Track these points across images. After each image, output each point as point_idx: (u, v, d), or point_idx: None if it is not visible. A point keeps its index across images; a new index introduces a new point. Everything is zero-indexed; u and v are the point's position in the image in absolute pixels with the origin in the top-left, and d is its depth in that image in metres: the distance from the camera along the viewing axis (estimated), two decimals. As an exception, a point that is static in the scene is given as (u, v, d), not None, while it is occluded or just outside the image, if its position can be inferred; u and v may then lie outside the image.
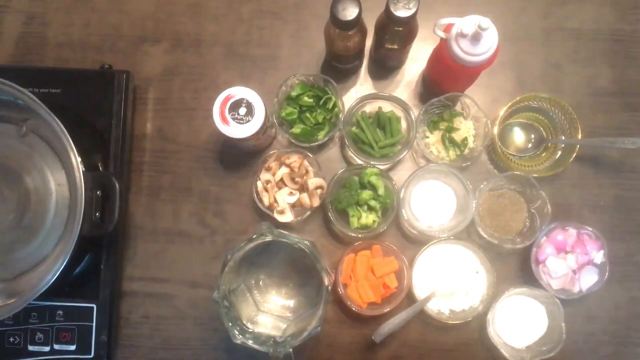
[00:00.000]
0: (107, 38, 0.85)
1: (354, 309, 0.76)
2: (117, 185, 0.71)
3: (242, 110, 0.70)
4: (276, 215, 0.76)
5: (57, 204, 0.75)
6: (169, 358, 0.80)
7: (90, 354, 0.76)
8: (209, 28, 0.85)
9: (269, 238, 0.66)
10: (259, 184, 0.77)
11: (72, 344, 0.76)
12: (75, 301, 0.77)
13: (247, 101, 0.71)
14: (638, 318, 0.80)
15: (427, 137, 0.81)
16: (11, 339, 0.76)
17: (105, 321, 0.76)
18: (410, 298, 0.78)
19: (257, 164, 0.80)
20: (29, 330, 0.77)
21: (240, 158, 0.82)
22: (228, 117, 0.70)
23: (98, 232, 0.72)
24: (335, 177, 0.77)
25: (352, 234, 0.76)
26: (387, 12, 0.66)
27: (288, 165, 0.77)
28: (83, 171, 0.69)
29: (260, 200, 0.77)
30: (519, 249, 0.79)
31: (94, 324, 0.76)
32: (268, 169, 0.77)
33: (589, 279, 0.76)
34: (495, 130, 0.79)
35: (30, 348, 0.76)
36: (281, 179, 0.77)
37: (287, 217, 0.76)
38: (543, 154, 0.83)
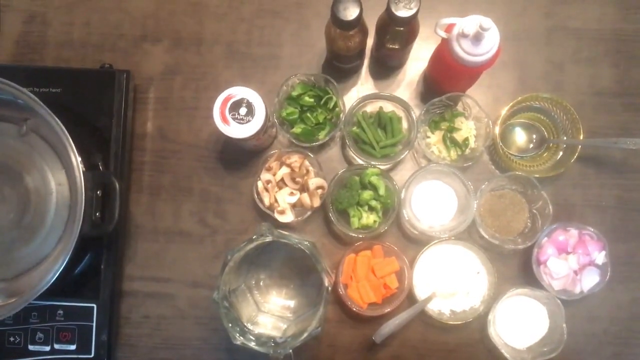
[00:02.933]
0: (107, 37, 0.85)
1: (354, 309, 0.75)
2: (117, 185, 0.71)
3: (243, 110, 0.70)
4: (277, 216, 0.76)
5: (57, 203, 0.75)
6: (169, 358, 0.80)
7: (90, 354, 0.76)
8: (209, 27, 0.85)
9: (269, 238, 0.66)
10: (260, 184, 0.77)
11: (73, 344, 0.76)
12: (75, 301, 0.77)
13: (248, 101, 0.70)
14: None
15: (428, 137, 0.81)
16: (11, 339, 0.77)
17: (105, 321, 0.76)
18: (411, 298, 0.77)
19: (257, 164, 0.80)
20: (30, 330, 0.77)
21: (241, 158, 0.82)
22: (228, 117, 0.70)
23: (98, 232, 0.72)
24: (336, 177, 0.77)
25: (353, 234, 0.76)
26: (388, 12, 0.66)
27: (289, 165, 0.77)
28: (83, 171, 0.69)
29: (261, 200, 0.77)
30: (520, 250, 0.79)
31: (94, 323, 0.76)
32: (269, 169, 0.77)
33: (590, 280, 0.76)
34: (497, 130, 0.79)
35: (31, 348, 0.76)
36: (282, 179, 0.77)
37: (288, 217, 0.76)
38: (545, 154, 0.82)
